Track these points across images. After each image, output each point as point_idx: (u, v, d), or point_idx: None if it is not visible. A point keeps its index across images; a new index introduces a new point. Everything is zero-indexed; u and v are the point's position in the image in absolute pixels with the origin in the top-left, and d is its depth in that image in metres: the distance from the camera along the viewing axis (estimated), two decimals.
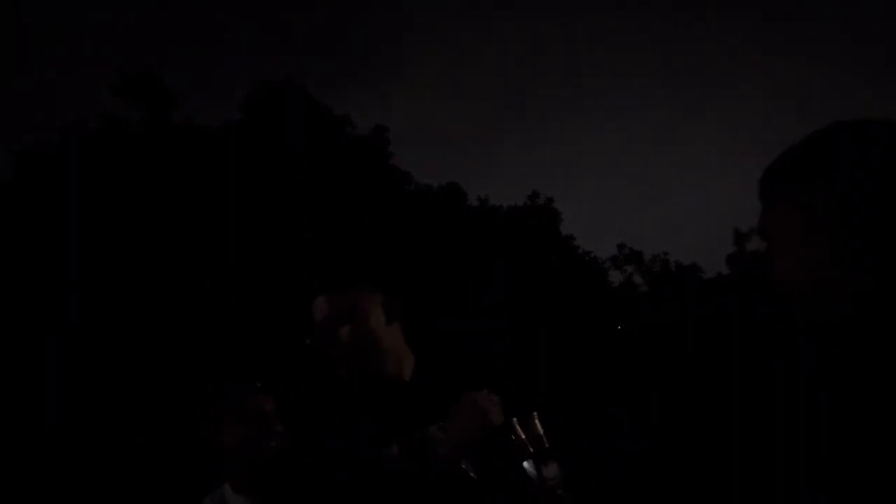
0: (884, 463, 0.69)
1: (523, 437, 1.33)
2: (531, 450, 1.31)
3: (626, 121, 73.41)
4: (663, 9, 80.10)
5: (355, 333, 1.25)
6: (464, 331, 16.00)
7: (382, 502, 1.16)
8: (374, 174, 19.84)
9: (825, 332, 0.76)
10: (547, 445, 1.34)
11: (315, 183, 17.29)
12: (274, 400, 1.93)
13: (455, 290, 16.84)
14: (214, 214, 15.79)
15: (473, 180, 68.08)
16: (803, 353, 0.83)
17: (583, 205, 64.93)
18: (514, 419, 1.35)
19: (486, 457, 1.29)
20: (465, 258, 18.61)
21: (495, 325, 17.52)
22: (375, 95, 58.22)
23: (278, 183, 17.01)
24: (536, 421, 1.37)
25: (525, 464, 1.31)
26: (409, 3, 75.90)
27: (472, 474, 1.26)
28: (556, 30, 79.45)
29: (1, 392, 11.55)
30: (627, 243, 36.83)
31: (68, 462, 10.80)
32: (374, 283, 1.36)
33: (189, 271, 14.81)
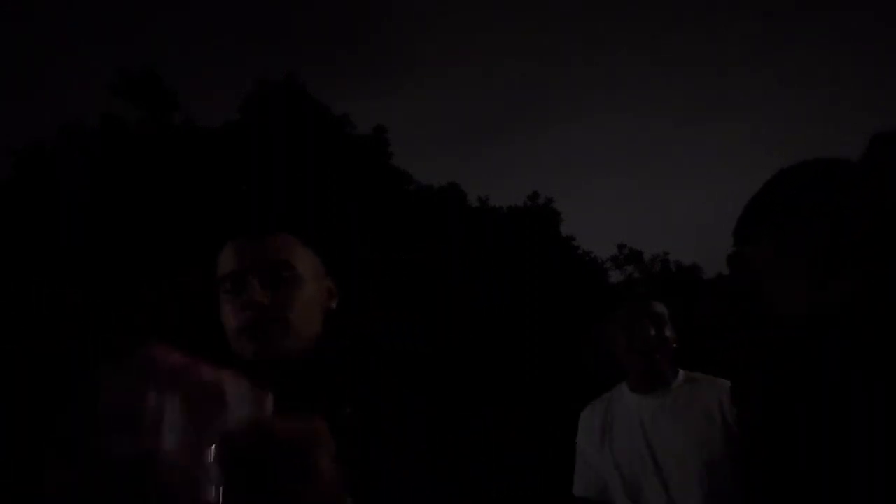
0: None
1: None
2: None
3: (627, 122, 73.53)
4: (665, 10, 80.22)
5: None
6: (462, 330, 16.00)
7: None
8: (374, 174, 19.86)
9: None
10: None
11: (315, 182, 17.30)
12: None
13: (454, 289, 16.84)
14: (214, 214, 15.81)
15: (473, 180, 68.18)
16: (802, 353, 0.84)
17: (583, 205, 65.02)
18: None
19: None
20: (465, 258, 18.61)
21: (495, 325, 17.52)
22: (375, 95, 58.26)
23: (278, 182, 17.03)
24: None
25: None
26: (410, 3, 76.00)
27: None
28: (556, 31, 79.58)
29: (1, 392, 11.56)
30: (627, 243, 36.97)
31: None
32: None
33: (188, 271, 14.82)
